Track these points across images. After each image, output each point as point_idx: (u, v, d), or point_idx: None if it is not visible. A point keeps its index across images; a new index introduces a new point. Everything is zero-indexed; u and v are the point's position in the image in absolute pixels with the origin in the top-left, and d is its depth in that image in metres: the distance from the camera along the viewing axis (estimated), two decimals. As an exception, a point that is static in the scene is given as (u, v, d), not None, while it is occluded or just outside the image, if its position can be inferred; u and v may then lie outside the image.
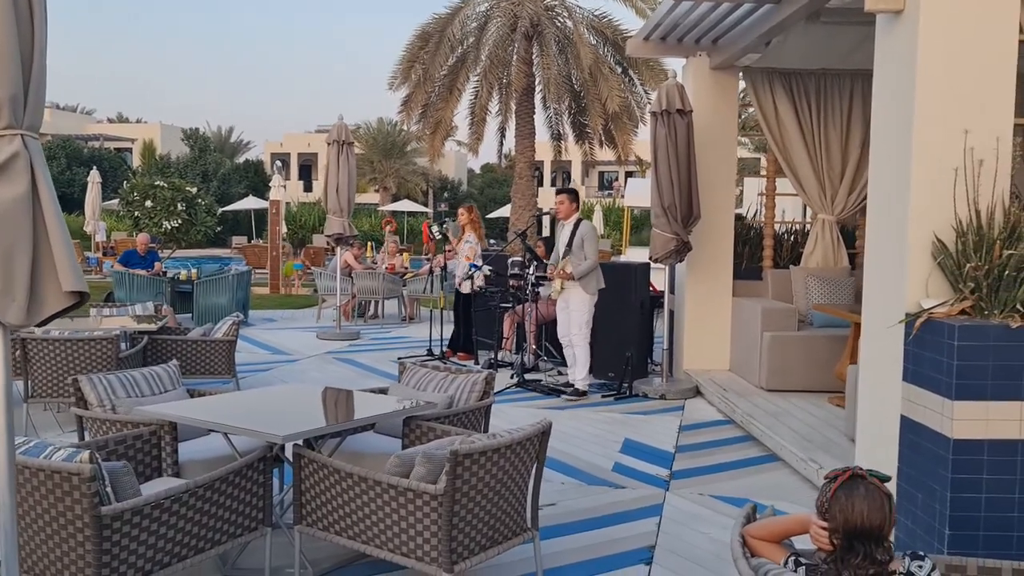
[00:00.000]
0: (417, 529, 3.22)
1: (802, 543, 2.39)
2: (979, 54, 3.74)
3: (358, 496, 3.35)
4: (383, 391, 4.78)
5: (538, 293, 8.33)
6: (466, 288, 8.97)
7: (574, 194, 7.60)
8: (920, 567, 2.13)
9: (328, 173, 10.68)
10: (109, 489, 2.91)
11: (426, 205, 44.06)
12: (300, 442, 3.64)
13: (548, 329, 8.78)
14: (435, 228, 9.55)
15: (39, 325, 2.29)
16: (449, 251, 9.58)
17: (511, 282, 8.48)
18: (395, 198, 42.14)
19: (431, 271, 10.37)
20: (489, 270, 8.77)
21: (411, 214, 36.42)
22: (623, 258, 17.19)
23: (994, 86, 3.73)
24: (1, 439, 2.29)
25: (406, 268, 13.81)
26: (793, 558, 2.25)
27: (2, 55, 2.14)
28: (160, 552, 3.07)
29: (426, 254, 15.96)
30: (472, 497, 3.23)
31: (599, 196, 44.99)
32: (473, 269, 8.76)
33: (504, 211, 31.33)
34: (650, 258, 7.68)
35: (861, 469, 2.19)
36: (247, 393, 4.69)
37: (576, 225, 7.36)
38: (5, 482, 2.29)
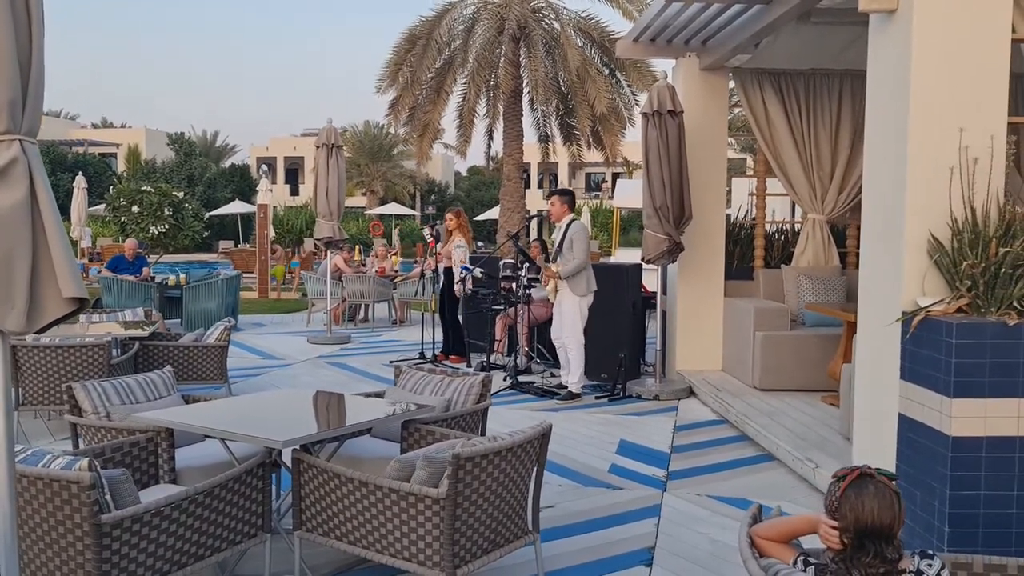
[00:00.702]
0: (419, 533, 3.20)
1: (809, 543, 2.39)
2: (973, 53, 3.76)
3: (359, 501, 3.33)
4: (379, 395, 4.75)
5: (530, 295, 8.32)
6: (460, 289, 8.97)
7: (567, 195, 7.59)
8: (930, 566, 2.13)
9: (317, 177, 10.64)
10: (108, 497, 2.88)
11: (413, 208, 44.04)
12: (298, 447, 3.61)
13: (540, 331, 8.77)
14: (426, 231, 9.53)
15: (38, 332, 2.26)
16: (440, 255, 9.58)
17: (503, 284, 8.47)
18: (382, 201, 42.08)
19: (422, 274, 10.33)
20: (480, 272, 8.75)
21: (399, 217, 36.36)
22: (613, 259, 17.21)
23: (988, 85, 3.76)
24: (1, 447, 2.26)
25: (396, 271, 13.78)
26: (802, 558, 2.25)
27: (0, 59, 2.11)
28: (160, 560, 3.04)
29: (415, 258, 15.99)
30: (474, 500, 3.22)
31: (587, 197, 45.10)
32: (464, 272, 8.74)
33: (492, 213, 31.37)
34: (642, 259, 7.66)
35: (870, 468, 2.19)
36: (243, 398, 4.65)
37: (568, 225, 7.36)
38: (5, 491, 2.26)
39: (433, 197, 47.57)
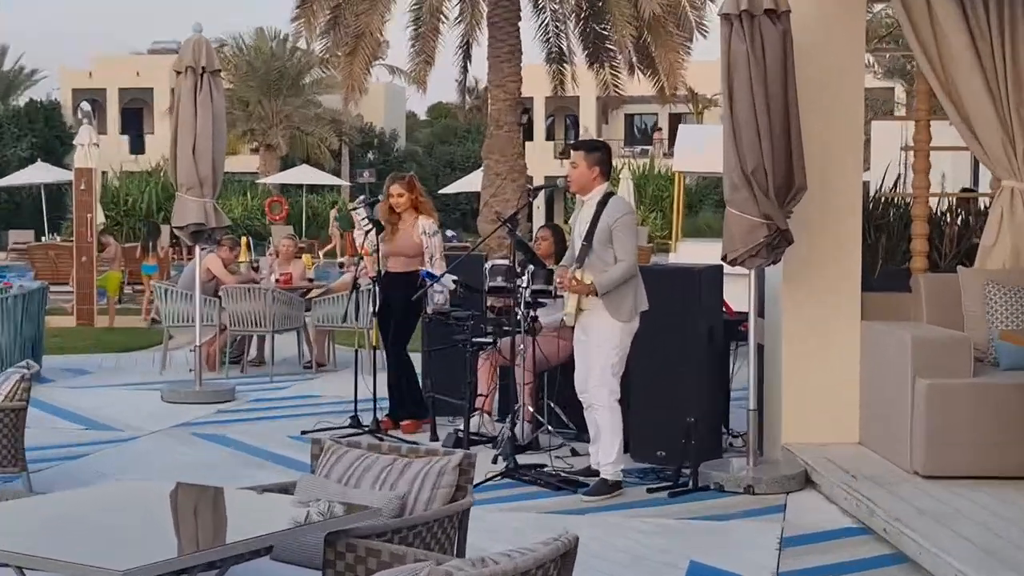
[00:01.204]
0: None
1: None
2: None
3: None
4: (285, 489, 4.74)
5: (537, 319, 8.30)
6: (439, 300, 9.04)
7: (597, 151, 7.56)
8: None
9: (178, 122, 10.63)
10: None
11: (338, 173, 43.93)
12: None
13: (556, 379, 8.74)
14: (361, 211, 9.48)
15: None
16: (368, 253, 9.59)
17: (491, 302, 8.45)
18: (286, 163, 42.08)
19: (355, 285, 10.27)
20: (454, 282, 8.71)
21: (313, 189, 36.49)
22: (674, 258, 17.19)
23: None
24: None
25: (311, 280, 13.70)
26: None
27: None
28: None
29: (342, 257, 15.89)
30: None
31: (628, 154, 45.22)
32: (428, 280, 8.69)
33: (469, 182, 31.33)
34: (724, 258, 7.72)
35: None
36: (54, 498, 4.63)
37: (602, 204, 7.35)
38: None
39: (371, 155, 47.60)
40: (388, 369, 9.53)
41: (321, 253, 26.74)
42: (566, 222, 8.11)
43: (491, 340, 8.80)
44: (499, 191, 18.55)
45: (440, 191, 34.71)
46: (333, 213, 27.37)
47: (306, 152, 43.53)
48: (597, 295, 7.25)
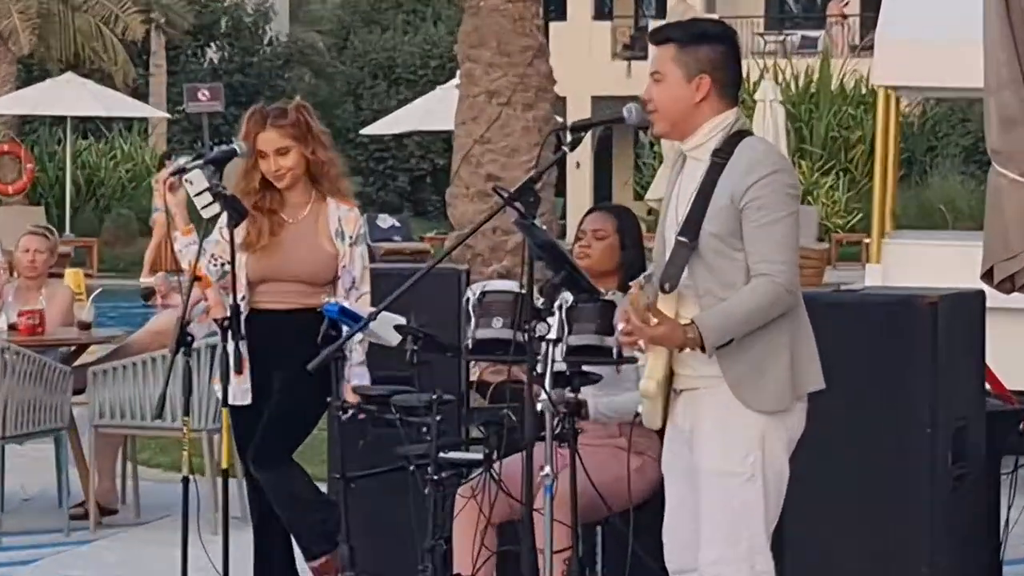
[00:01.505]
0: None
1: None
2: None
3: None
4: None
5: (583, 405, 8.38)
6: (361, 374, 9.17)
7: (707, 42, 7.62)
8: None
9: None
10: None
11: (145, 97, 44.23)
12: None
13: (623, 540, 8.84)
14: (196, 177, 9.58)
15: None
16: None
17: (480, 371, 8.56)
18: (30, 72, 42.51)
19: (182, 337, 10.40)
20: (400, 329, 8.81)
21: (91, 126, 36.77)
22: (875, 275, 17.36)
23: None
24: None
25: (86, 326, 13.85)
26: None
27: None
28: None
29: (149, 277, 15.92)
30: None
31: (772, 49, 45.81)
32: (341, 325, 8.80)
33: (426, 115, 31.66)
34: (984, 276, 7.82)
35: None
36: None
37: (721, 156, 7.39)
38: None
39: (216, 53, 48.24)
40: (254, 520, 9.68)
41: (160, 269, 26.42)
42: (640, 198, 8.00)
43: (480, 458, 8.91)
44: (495, 132, 18.70)
45: (363, 132, 35.15)
46: (163, 176, 27.26)
47: (74, 49, 43.75)
48: (704, 351, 7.20)
